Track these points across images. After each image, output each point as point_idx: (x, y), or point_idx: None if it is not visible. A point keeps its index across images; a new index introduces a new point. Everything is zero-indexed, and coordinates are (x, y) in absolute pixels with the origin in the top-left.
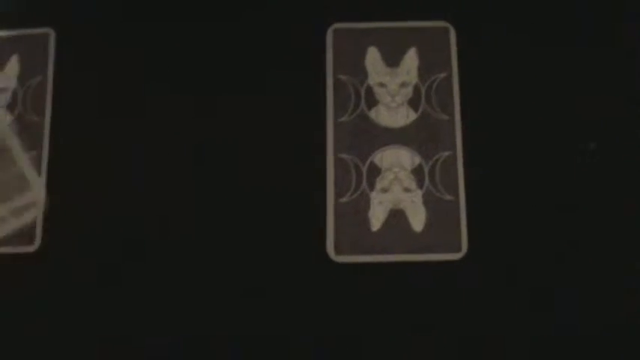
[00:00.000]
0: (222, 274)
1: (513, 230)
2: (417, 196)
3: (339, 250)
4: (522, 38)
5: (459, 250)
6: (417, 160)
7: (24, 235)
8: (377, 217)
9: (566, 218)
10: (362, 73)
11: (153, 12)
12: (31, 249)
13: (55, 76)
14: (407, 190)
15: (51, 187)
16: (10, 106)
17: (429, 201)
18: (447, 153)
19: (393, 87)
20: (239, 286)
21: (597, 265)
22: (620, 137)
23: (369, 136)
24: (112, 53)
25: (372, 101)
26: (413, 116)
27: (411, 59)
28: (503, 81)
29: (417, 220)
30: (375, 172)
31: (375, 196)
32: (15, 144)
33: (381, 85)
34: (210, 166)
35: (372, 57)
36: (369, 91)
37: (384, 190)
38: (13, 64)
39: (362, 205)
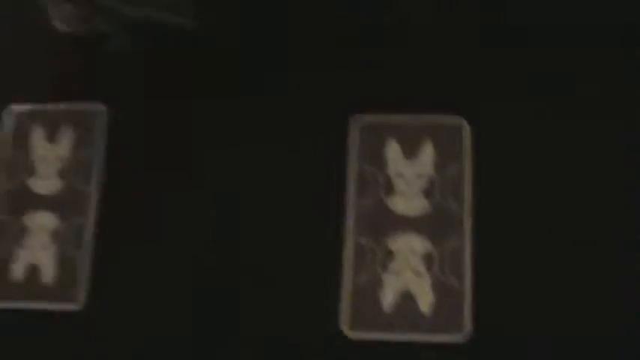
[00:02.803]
0: (243, 345)
1: (517, 316)
2: (426, 280)
3: (352, 327)
4: (532, 136)
5: (462, 332)
6: (428, 247)
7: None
8: (388, 298)
9: (567, 312)
10: (382, 163)
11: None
12: (74, 307)
13: (106, 150)
14: (417, 274)
15: (98, 250)
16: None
17: (436, 285)
18: (456, 242)
19: (409, 178)
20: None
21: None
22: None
23: (385, 222)
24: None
25: (390, 190)
26: (426, 206)
27: (427, 152)
28: (513, 176)
29: (425, 303)
30: (388, 256)
31: (388, 279)
32: None
33: (399, 175)
34: (234, 242)
35: (392, 149)
36: (387, 180)
37: (397, 273)
38: (66, 135)
39: (375, 286)
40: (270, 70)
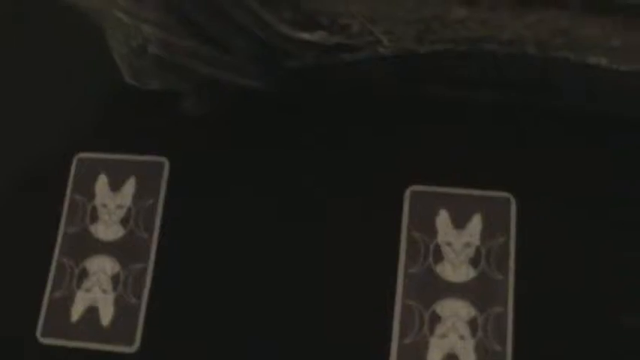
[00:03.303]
0: None
1: None
2: (470, 343)
3: None
4: (578, 213)
5: None
6: (473, 312)
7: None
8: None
9: None
10: (432, 232)
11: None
12: (131, 349)
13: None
14: (462, 337)
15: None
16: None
17: (479, 349)
18: (499, 309)
19: (457, 246)
20: None
21: None
22: None
23: (433, 288)
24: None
25: (439, 257)
26: (472, 274)
27: (475, 224)
28: (555, 250)
29: None
30: (435, 319)
31: (434, 341)
32: None
33: (448, 244)
34: (293, 295)
35: (443, 218)
36: (437, 248)
37: (443, 336)
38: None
39: (422, 348)
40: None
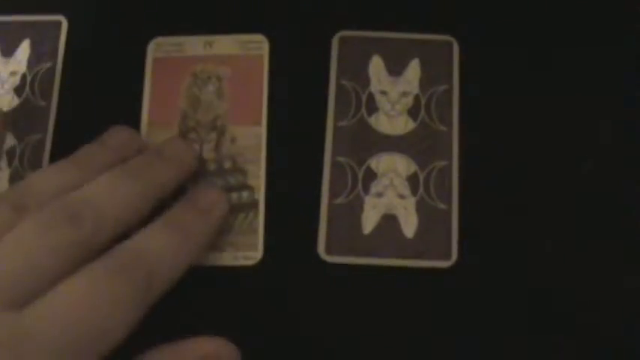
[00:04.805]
0: None
1: (505, 240)
2: (411, 202)
3: (330, 251)
4: (524, 55)
5: (449, 258)
6: (413, 167)
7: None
8: (370, 221)
9: (561, 231)
10: (364, 80)
11: None
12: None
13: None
14: (401, 196)
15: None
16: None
17: (421, 208)
18: (442, 163)
19: (394, 95)
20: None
21: (595, 270)
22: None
23: (367, 142)
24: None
25: (373, 108)
26: (411, 125)
27: (413, 70)
28: (502, 97)
29: (409, 227)
30: (370, 176)
31: (369, 201)
32: None
33: (383, 93)
34: None
35: (376, 65)
36: (371, 98)
37: (379, 195)
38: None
39: (356, 208)
40: None
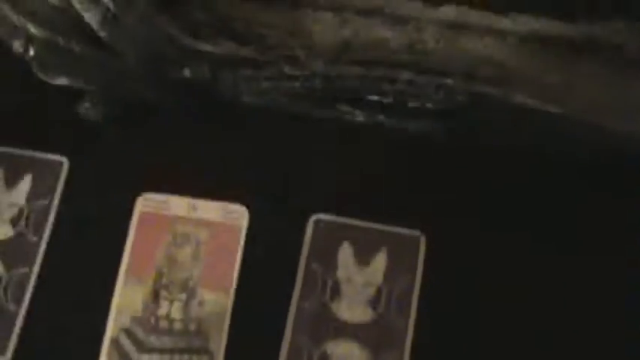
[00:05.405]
0: None
1: None
2: None
3: None
4: (490, 254)
5: None
6: (366, 356)
7: None
8: None
9: None
10: (333, 266)
11: None
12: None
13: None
14: None
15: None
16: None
17: None
18: (395, 354)
19: (358, 284)
20: None
21: None
22: None
23: (326, 326)
24: None
25: (336, 294)
26: (370, 315)
27: (380, 261)
28: (464, 292)
29: None
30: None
31: None
32: None
33: (348, 280)
34: None
35: (345, 252)
36: (336, 284)
37: None
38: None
39: None
40: None
